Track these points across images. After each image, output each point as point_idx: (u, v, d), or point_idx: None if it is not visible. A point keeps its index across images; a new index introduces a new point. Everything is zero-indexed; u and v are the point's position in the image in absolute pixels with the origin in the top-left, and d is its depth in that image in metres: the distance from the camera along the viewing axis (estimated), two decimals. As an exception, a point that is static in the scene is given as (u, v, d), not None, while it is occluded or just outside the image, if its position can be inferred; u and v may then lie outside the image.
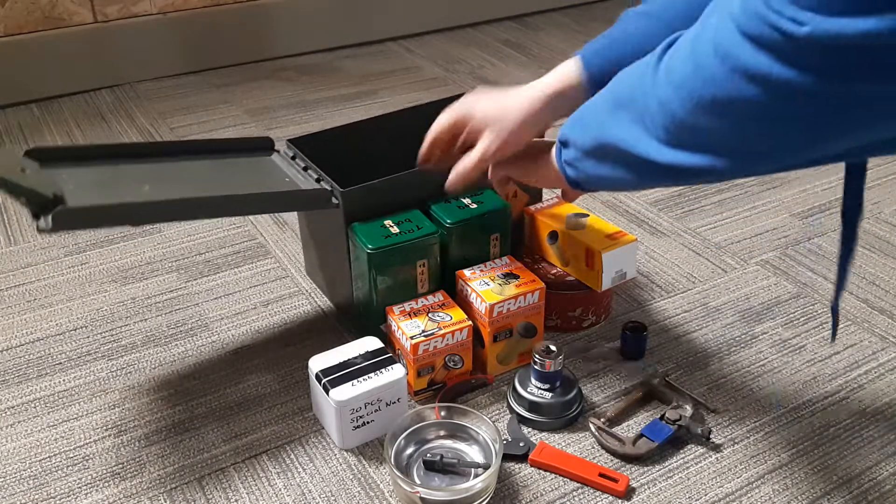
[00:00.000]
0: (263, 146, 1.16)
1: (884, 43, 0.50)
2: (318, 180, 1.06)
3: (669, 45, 0.66)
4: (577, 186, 0.83)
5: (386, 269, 1.01)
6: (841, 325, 1.15)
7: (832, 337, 1.05)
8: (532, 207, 1.16)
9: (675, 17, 0.83)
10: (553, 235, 1.12)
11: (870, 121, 0.56)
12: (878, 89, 0.53)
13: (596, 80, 0.85)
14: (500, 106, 0.90)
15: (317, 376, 0.95)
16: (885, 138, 0.59)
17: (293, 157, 1.13)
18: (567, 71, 0.87)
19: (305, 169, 1.09)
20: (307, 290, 1.24)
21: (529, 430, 0.98)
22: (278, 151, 1.16)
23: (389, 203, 1.06)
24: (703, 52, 0.60)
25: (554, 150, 0.85)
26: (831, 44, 0.51)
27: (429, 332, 0.98)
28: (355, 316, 1.10)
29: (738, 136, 0.62)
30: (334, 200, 1.02)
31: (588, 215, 1.13)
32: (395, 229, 1.02)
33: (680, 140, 0.65)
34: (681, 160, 0.66)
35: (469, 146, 0.92)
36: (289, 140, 1.14)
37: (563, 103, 0.88)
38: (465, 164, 0.92)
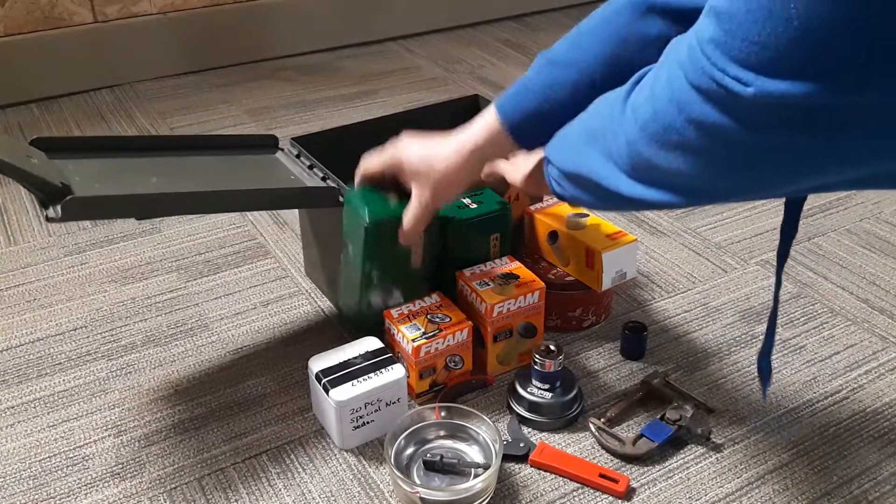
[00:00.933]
0: (267, 143, 1.16)
1: (826, 103, 0.50)
2: (323, 178, 1.06)
3: (638, 81, 0.67)
4: (563, 200, 0.84)
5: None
6: (841, 325, 1.15)
7: (763, 394, 0.99)
8: (532, 207, 1.17)
9: (583, 62, 0.83)
10: (553, 235, 1.12)
11: (818, 168, 0.57)
12: (827, 141, 0.54)
13: (517, 129, 0.86)
14: (428, 157, 0.90)
15: (317, 376, 0.95)
16: (832, 181, 0.60)
17: (297, 156, 1.13)
18: (488, 121, 0.87)
19: (310, 167, 1.09)
20: (307, 290, 1.24)
21: (529, 430, 0.98)
22: (282, 149, 1.16)
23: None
24: (660, 97, 0.61)
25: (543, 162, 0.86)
26: (776, 103, 0.52)
27: (429, 334, 0.98)
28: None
29: (696, 177, 0.63)
30: (340, 199, 1.02)
31: (588, 215, 1.13)
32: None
33: (646, 177, 0.67)
34: (645, 195, 0.68)
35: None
36: (293, 138, 1.14)
37: (493, 151, 0.88)
38: (407, 219, 0.94)
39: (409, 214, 0.94)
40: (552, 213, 1.15)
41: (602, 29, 0.84)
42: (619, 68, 0.81)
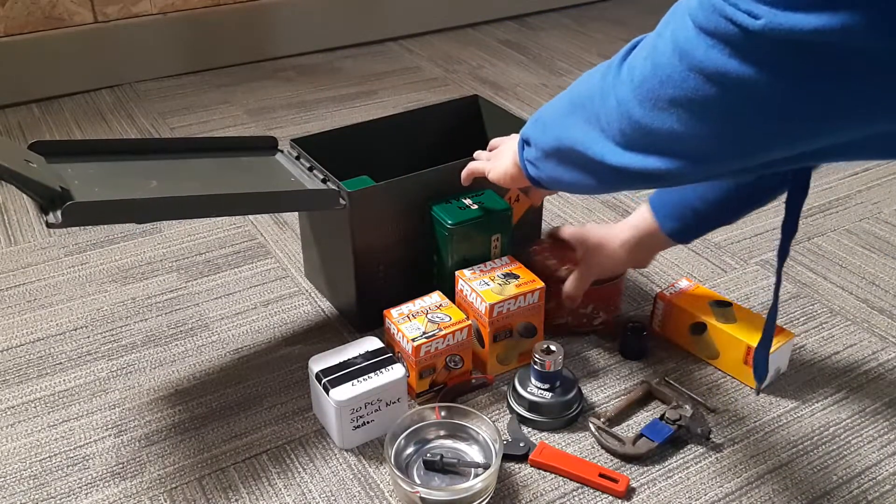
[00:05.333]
0: (267, 145, 1.16)
1: (834, 41, 0.50)
2: (324, 180, 1.06)
3: (634, 46, 0.67)
4: (539, 185, 0.84)
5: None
6: (841, 325, 1.16)
7: (758, 390, 1.02)
8: (666, 293, 1.11)
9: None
10: (699, 327, 1.07)
11: (819, 120, 0.56)
12: (828, 89, 0.53)
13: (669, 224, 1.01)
14: (605, 236, 1.07)
15: (317, 376, 0.95)
16: (828, 144, 0.59)
17: (297, 157, 1.13)
18: (642, 214, 1.03)
19: (310, 169, 1.09)
20: (307, 290, 1.24)
21: (529, 430, 0.98)
22: (282, 151, 1.16)
23: (394, 204, 1.06)
24: (662, 50, 0.60)
25: (516, 146, 0.86)
26: (784, 38, 0.51)
27: (429, 334, 0.98)
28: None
29: (693, 137, 0.62)
30: (342, 201, 1.02)
31: (731, 304, 1.08)
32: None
33: (636, 142, 0.66)
34: (636, 163, 0.66)
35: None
36: (292, 139, 1.14)
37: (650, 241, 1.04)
38: (575, 289, 1.08)
39: (576, 287, 1.07)
40: (691, 298, 1.10)
41: None
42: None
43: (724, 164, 0.65)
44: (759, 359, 0.91)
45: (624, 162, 0.67)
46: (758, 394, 1.02)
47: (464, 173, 1.03)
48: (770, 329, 0.89)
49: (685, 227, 1.00)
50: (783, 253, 0.83)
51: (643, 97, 0.63)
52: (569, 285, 1.07)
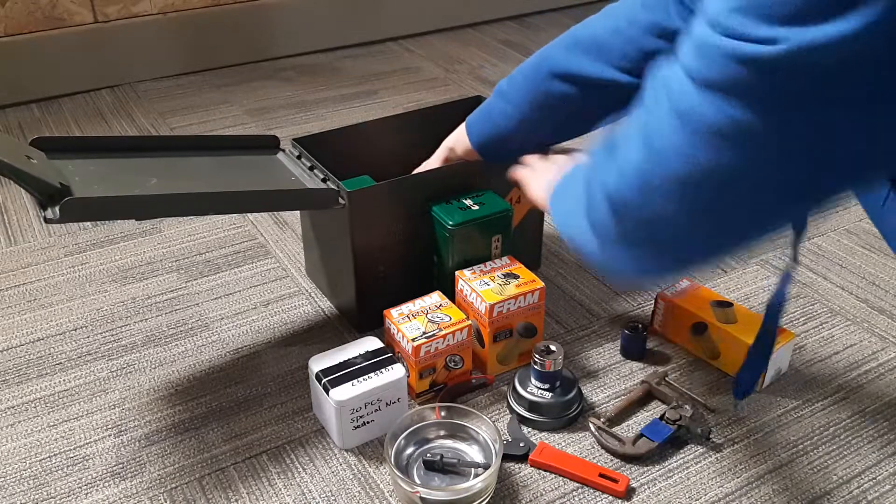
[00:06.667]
0: (269, 144, 1.16)
1: (859, 50, 0.45)
2: (324, 180, 1.06)
3: (611, 143, 0.62)
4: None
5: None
6: (841, 325, 1.16)
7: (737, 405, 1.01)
8: (667, 293, 1.11)
9: (522, 99, 1.01)
10: (700, 327, 1.07)
11: (851, 147, 0.50)
12: (862, 114, 0.48)
13: (478, 145, 1.08)
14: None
15: (317, 376, 0.95)
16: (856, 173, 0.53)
17: (298, 157, 1.13)
18: (460, 134, 1.10)
19: (311, 168, 1.09)
20: (307, 290, 1.24)
21: (529, 430, 0.98)
22: (283, 150, 1.16)
23: (394, 204, 1.06)
24: (657, 127, 0.54)
25: (550, 191, 0.84)
26: (807, 61, 0.46)
27: (429, 334, 0.98)
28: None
29: (697, 218, 0.55)
30: (341, 200, 1.02)
31: (732, 304, 1.08)
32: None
33: (635, 238, 0.61)
34: (622, 261, 0.63)
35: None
36: (294, 139, 1.14)
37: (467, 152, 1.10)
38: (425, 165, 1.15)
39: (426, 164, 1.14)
40: (692, 298, 1.10)
41: (526, 82, 1.01)
42: (542, 114, 0.98)
43: (772, 226, 0.57)
44: (746, 379, 0.89)
45: (618, 265, 0.64)
46: (735, 408, 1.00)
47: (510, 172, 1.02)
48: (757, 358, 0.86)
49: (493, 151, 1.07)
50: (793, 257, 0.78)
51: (637, 185, 0.56)
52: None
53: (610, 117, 0.95)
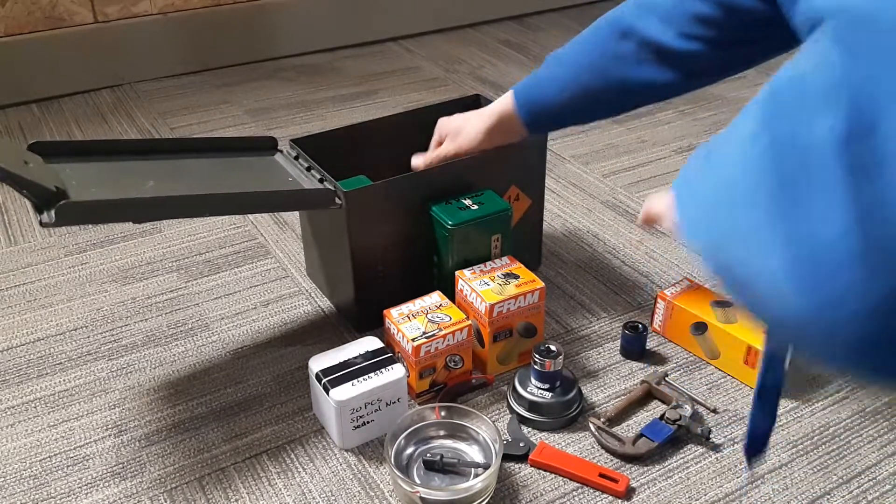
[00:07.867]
0: (266, 145, 1.16)
1: None
2: (321, 181, 1.06)
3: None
4: None
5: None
6: (841, 325, 1.15)
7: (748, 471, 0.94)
8: (667, 292, 1.11)
9: (580, 65, 0.95)
10: (700, 326, 1.07)
11: None
12: None
13: (525, 112, 1.01)
14: (464, 121, 1.09)
15: (317, 376, 0.95)
16: None
17: (296, 157, 1.13)
18: (505, 101, 1.03)
19: (308, 169, 1.09)
20: (307, 290, 1.24)
21: (529, 430, 0.98)
22: (281, 151, 1.16)
23: (392, 204, 1.06)
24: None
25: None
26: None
27: (429, 334, 0.98)
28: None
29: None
30: (337, 201, 1.02)
31: (732, 304, 1.07)
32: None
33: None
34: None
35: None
36: (292, 140, 1.14)
37: (508, 125, 1.04)
38: (428, 157, 1.12)
39: (431, 156, 1.12)
40: (692, 298, 1.09)
41: (586, 42, 0.94)
42: (601, 76, 0.93)
43: None
44: (755, 436, 0.77)
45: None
46: (749, 469, 0.94)
47: (642, 217, 0.85)
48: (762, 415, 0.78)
49: (540, 120, 1.03)
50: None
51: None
52: (417, 158, 1.13)
53: (668, 89, 0.90)
